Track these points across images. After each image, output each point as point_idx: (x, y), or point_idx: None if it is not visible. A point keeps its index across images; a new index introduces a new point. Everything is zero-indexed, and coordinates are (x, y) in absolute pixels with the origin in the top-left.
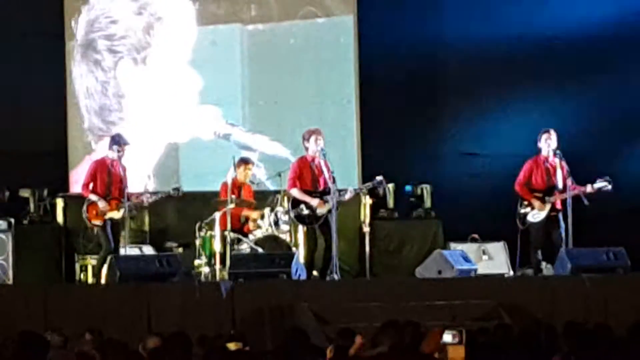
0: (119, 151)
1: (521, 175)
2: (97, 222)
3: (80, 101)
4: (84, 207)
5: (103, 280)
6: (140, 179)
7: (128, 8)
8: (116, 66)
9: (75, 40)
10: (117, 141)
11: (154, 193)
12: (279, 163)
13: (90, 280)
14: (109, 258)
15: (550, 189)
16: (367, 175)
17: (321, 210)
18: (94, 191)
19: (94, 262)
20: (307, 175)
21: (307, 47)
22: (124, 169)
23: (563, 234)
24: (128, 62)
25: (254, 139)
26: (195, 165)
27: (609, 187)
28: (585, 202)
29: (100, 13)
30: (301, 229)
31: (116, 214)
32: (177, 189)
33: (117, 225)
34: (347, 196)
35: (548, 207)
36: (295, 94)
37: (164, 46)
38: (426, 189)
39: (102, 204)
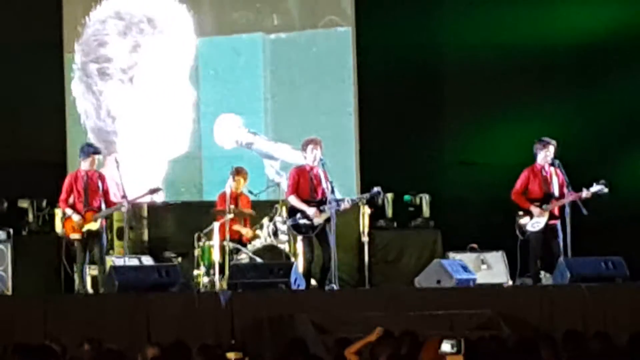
0: (92, 161)
1: (518, 185)
2: (76, 235)
3: (82, 119)
4: (61, 223)
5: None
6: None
7: (113, 29)
8: (105, 89)
9: (75, 62)
10: (85, 151)
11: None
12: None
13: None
14: (102, 268)
15: (547, 197)
16: (366, 184)
17: (318, 220)
18: (72, 205)
19: (94, 272)
20: (305, 184)
21: (329, 55)
22: (102, 179)
23: (562, 244)
24: (116, 84)
25: (276, 147)
26: (219, 174)
27: (605, 190)
28: (584, 211)
29: (91, 36)
30: (299, 239)
31: (93, 225)
32: (155, 190)
33: (96, 236)
34: (344, 206)
35: (547, 215)
36: (316, 102)
37: (152, 63)
38: (425, 199)
39: (76, 217)
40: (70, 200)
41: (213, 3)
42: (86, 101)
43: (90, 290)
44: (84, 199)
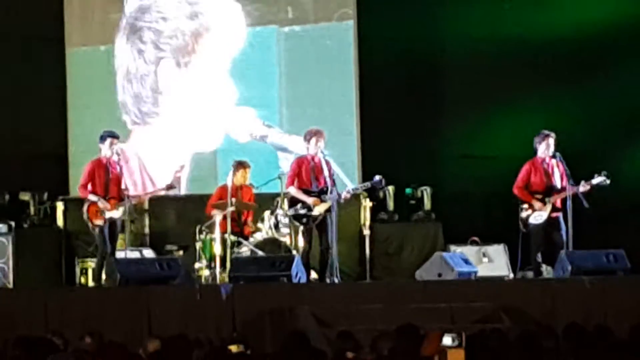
0: (111, 144)
1: (519, 179)
2: (99, 222)
3: (118, 77)
4: (84, 208)
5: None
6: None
7: (181, 9)
8: (158, 62)
9: (123, 14)
10: (103, 136)
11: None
12: None
13: (90, 283)
14: (106, 261)
15: (549, 190)
16: (367, 177)
17: (318, 209)
18: (92, 191)
19: (94, 265)
20: (306, 173)
21: (343, 48)
22: (122, 168)
23: (564, 236)
24: (171, 63)
25: (290, 140)
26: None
27: (607, 181)
28: (586, 204)
29: (154, 4)
30: (300, 230)
31: (116, 213)
32: (171, 186)
33: (115, 225)
34: (345, 196)
35: (549, 207)
36: (329, 94)
37: (208, 56)
38: (426, 192)
39: (102, 204)
40: (89, 187)
41: None
42: (132, 63)
43: (90, 282)
44: (105, 186)
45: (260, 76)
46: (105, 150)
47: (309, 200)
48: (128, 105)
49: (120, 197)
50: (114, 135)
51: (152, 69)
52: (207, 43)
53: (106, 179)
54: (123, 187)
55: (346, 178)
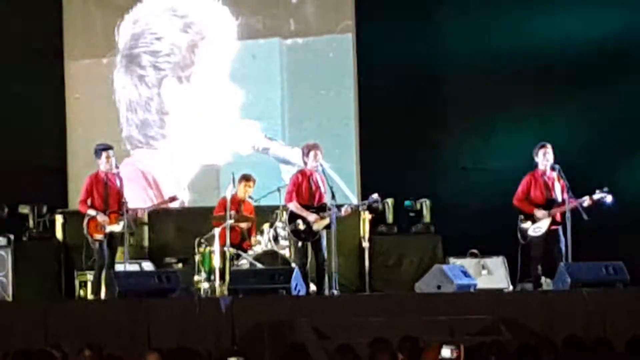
0: (107, 157)
1: (519, 191)
2: (99, 236)
3: (121, 111)
4: (84, 223)
5: (103, 296)
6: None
7: (173, 25)
8: (160, 83)
9: (117, 50)
10: (97, 150)
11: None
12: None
13: (89, 296)
14: (105, 274)
15: (549, 203)
16: (366, 190)
17: (317, 227)
18: (92, 206)
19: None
20: (305, 189)
21: (344, 60)
22: (121, 181)
23: (563, 249)
24: (173, 81)
25: (292, 152)
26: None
27: (609, 197)
28: (585, 216)
29: (146, 28)
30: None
31: (116, 227)
32: (173, 198)
33: (116, 239)
34: (343, 213)
35: (549, 220)
36: (332, 107)
37: (207, 64)
38: (425, 204)
39: (101, 218)
40: (89, 202)
41: (230, 8)
42: (134, 92)
43: (89, 295)
44: (104, 200)
45: (263, 88)
46: (103, 164)
47: (311, 217)
48: (133, 136)
49: (120, 211)
50: (108, 148)
51: (155, 92)
52: (203, 52)
53: (105, 193)
54: (123, 200)
55: (347, 189)
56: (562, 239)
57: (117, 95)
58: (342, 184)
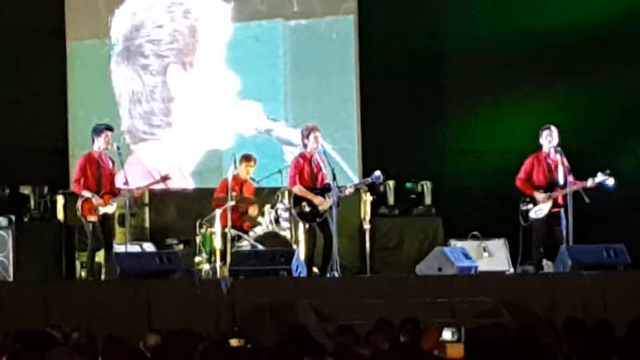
0: (106, 137)
1: (522, 171)
2: (93, 218)
3: (122, 104)
4: (78, 204)
5: (103, 277)
6: (182, 179)
7: (173, 11)
8: (165, 71)
9: (112, 43)
10: (98, 129)
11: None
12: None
13: (83, 275)
14: (104, 255)
15: (551, 185)
16: (367, 172)
17: (323, 208)
18: (85, 187)
19: (95, 258)
20: (307, 172)
21: (347, 42)
22: (113, 162)
23: (564, 231)
24: (177, 67)
25: (295, 133)
26: None
27: (610, 179)
28: (586, 199)
29: (146, 17)
30: (301, 227)
31: (109, 208)
32: (166, 177)
33: (109, 219)
34: (347, 192)
35: (550, 202)
36: (335, 88)
37: (206, 48)
38: (427, 186)
39: (95, 200)
40: (81, 182)
41: None
42: (138, 83)
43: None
44: (97, 181)
45: (266, 70)
46: (100, 143)
47: (316, 200)
48: (138, 128)
49: (113, 192)
50: (109, 128)
51: (160, 80)
52: (203, 36)
53: (98, 174)
54: (123, 180)
55: (350, 170)
56: (564, 221)
57: (118, 90)
58: (345, 165)
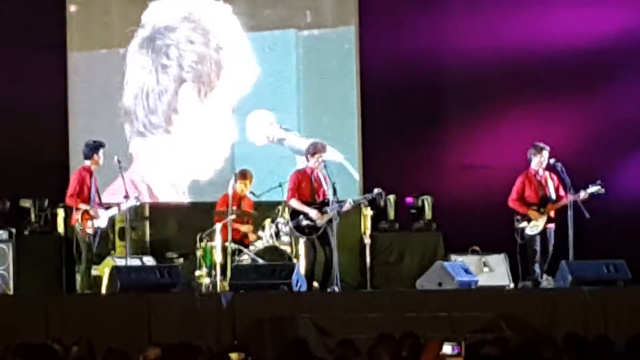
0: (102, 155)
1: (514, 192)
2: (90, 230)
3: (128, 83)
4: (78, 216)
5: (104, 291)
6: (177, 194)
7: (207, 39)
8: (181, 84)
9: (141, 25)
10: (92, 146)
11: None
12: (333, 168)
13: (79, 289)
14: (101, 267)
15: (543, 202)
16: (368, 186)
17: (320, 222)
18: (81, 200)
19: (95, 272)
20: (306, 187)
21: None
22: (95, 178)
23: (551, 248)
24: (192, 89)
25: (307, 143)
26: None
27: (602, 190)
28: (586, 214)
29: (182, 26)
30: (302, 241)
31: (102, 223)
32: (136, 198)
33: (100, 234)
34: (346, 208)
35: (545, 218)
36: (347, 99)
37: (227, 90)
38: (427, 201)
39: (93, 212)
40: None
41: (247, 0)
42: (152, 77)
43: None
44: (90, 196)
45: (279, 79)
46: (100, 161)
47: (312, 212)
48: (137, 115)
49: (102, 206)
50: (103, 144)
51: (172, 86)
52: (226, 78)
53: (92, 189)
54: (124, 194)
55: (354, 171)
56: (553, 239)
57: (129, 73)
58: (349, 166)
